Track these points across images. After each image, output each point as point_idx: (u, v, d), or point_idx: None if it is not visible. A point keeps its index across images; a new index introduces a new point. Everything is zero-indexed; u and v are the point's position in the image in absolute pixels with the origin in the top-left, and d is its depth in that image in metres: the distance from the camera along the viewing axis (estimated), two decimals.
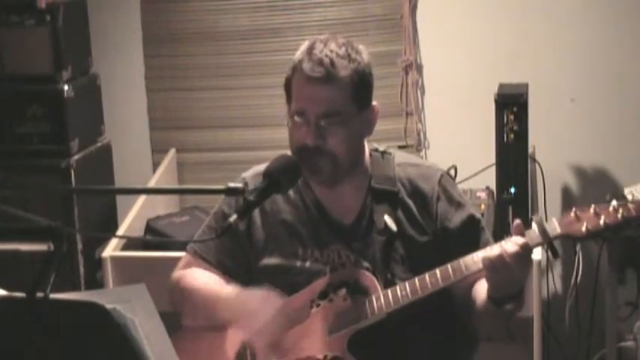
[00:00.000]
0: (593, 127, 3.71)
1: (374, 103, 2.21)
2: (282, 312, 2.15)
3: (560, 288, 3.71)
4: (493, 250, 1.99)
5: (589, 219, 1.98)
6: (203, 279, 2.29)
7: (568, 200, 3.73)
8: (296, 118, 2.14)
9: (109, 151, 3.93)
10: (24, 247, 3.49)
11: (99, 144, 3.86)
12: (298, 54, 2.15)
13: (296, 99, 2.15)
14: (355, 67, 2.12)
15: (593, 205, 1.99)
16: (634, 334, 3.40)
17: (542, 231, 2.00)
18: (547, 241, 2.01)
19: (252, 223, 2.26)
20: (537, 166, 3.49)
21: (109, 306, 1.48)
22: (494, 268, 1.97)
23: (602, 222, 1.97)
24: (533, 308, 3.04)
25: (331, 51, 2.11)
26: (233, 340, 2.19)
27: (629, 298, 3.35)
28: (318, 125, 2.11)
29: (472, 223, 2.24)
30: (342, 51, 2.12)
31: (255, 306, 2.16)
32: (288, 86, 2.18)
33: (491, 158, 3.23)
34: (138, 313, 1.51)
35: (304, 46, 2.16)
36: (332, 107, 2.11)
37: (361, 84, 2.14)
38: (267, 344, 2.15)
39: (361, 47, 2.18)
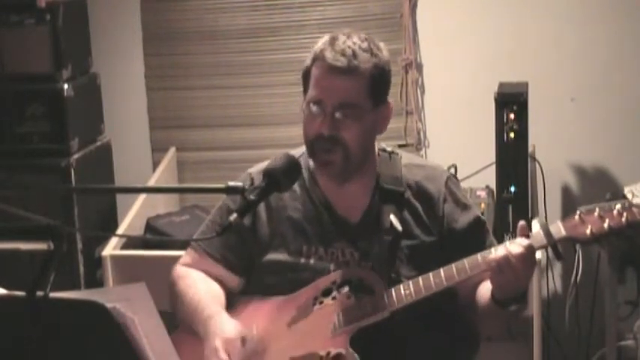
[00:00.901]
0: (593, 127, 3.71)
1: (389, 100, 2.22)
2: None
3: (560, 288, 3.71)
4: (498, 252, 1.99)
5: (594, 222, 1.98)
6: (197, 290, 2.26)
7: (568, 199, 3.73)
8: (312, 107, 2.14)
9: (108, 150, 3.93)
10: (24, 246, 3.49)
11: (99, 143, 3.86)
12: (319, 45, 2.16)
13: (314, 87, 2.15)
14: (377, 61, 2.14)
15: (597, 209, 1.98)
16: (634, 333, 3.40)
17: (547, 233, 2.00)
18: (551, 243, 2.00)
19: (257, 218, 2.26)
20: (537, 165, 3.49)
21: (109, 305, 1.48)
22: (500, 269, 1.97)
23: (606, 226, 1.96)
24: (533, 308, 3.04)
25: (354, 43, 2.13)
26: None
27: (629, 297, 3.35)
28: (333, 116, 2.11)
29: (478, 224, 2.25)
30: (364, 45, 2.13)
31: (215, 346, 2.10)
32: (306, 76, 2.18)
33: (491, 157, 3.23)
34: (138, 312, 1.51)
35: (325, 38, 2.17)
36: (349, 99, 2.11)
37: (380, 79, 2.15)
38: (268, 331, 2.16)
39: (381, 44, 2.20)
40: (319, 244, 2.22)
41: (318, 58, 2.14)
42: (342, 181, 2.21)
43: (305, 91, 2.19)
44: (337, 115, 2.11)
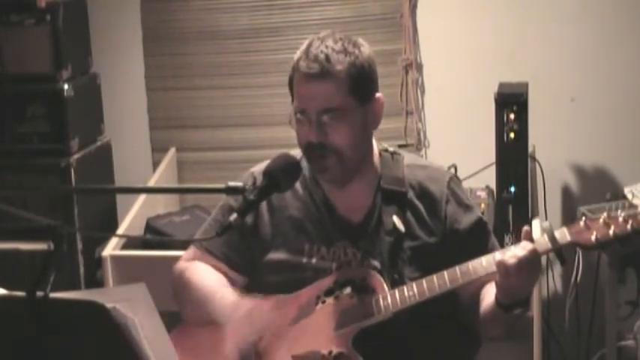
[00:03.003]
0: (593, 127, 3.71)
1: (378, 94, 2.20)
2: (267, 323, 2.16)
3: (560, 288, 3.71)
4: (504, 255, 1.99)
5: (599, 229, 1.97)
6: (206, 276, 2.29)
7: (568, 199, 3.73)
8: (299, 116, 2.15)
9: (109, 150, 3.93)
10: (24, 246, 3.49)
11: (99, 143, 3.86)
12: (297, 53, 2.17)
13: (296, 98, 2.16)
14: (352, 60, 2.12)
15: (603, 215, 1.98)
16: (634, 334, 3.40)
17: (552, 238, 2.00)
18: (556, 248, 2.00)
19: (259, 218, 2.26)
20: (537, 165, 3.49)
21: (109, 305, 1.48)
22: (507, 272, 1.96)
23: (611, 232, 1.96)
24: (534, 308, 3.04)
25: (327, 47, 2.12)
26: (230, 344, 2.20)
27: (629, 297, 3.35)
28: (319, 121, 2.12)
29: (480, 225, 2.25)
30: (338, 46, 2.13)
31: (244, 313, 2.16)
32: (291, 86, 2.19)
33: (491, 157, 3.23)
34: (138, 312, 1.51)
35: (303, 45, 2.17)
36: (330, 102, 2.11)
37: (359, 77, 2.13)
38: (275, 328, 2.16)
39: (361, 41, 2.19)
40: (321, 244, 2.22)
41: (295, 68, 2.15)
42: (342, 184, 2.21)
43: (293, 99, 2.19)
44: (324, 119, 2.11)
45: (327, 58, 2.10)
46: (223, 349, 2.20)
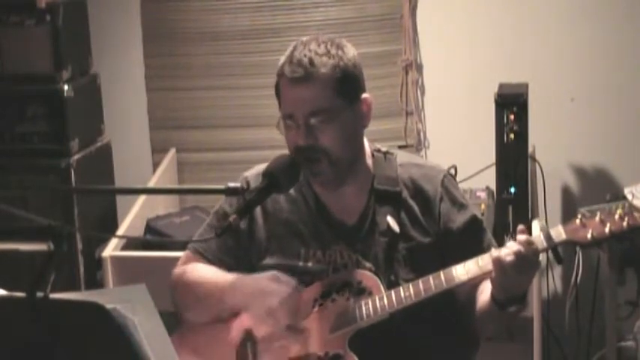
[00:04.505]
0: (593, 127, 3.71)
1: (365, 95, 2.20)
2: (292, 294, 2.14)
3: (560, 288, 3.71)
4: (502, 251, 1.99)
5: (595, 226, 1.98)
6: (207, 271, 2.29)
7: (568, 200, 3.73)
8: (287, 122, 2.16)
9: (109, 150, 3.93)
10: (24, 247, 3.48)
11: (99, 144, 3.86)
12: (282, 59, 2.18)
13: (283, 103, 2.18)
14: (336, 62, 2.13)
15: (598, 213, 1.99)
16: (634, 334, 3.40)
17: (547, 236, 2.00)
18: (552, 246, 2.00)
19: (254, 222, 2.26)
20: (537, 166, 3.49)
21: (109, 306, 1.49)
22: (503, 269, 1.96)
23: (607, 230, 1.97)
24: (533, 308, 3.04)
25: (310, 50, 2.13)
26: (235, 333, 2.19)
27: (629, 297, 3.35)
28: (308, 125, 2.12)
29: (474, 224, 2.24)
30: (321, 49, 2.14)
31: (267, 283, 2.14)
32: (277, 92, 2.21)
33: (491, 158, 3.23)
34: (138, 313, 1.51)
35: (287, 50, 2.19)
36: (317, 105, 2.12)
37: (344, 78, 2.14)
38: (269, 332, 2.15)
39: (344, 42, 2.19)
40: (317, 248, 2.22)
41: (280, 74, 2.17)
42: (336, 187, 2.20)
43: (280, 105, 2.20)
44: (312, 122, 2.12)
45: (311, 61, 2.11)
46: (223, 349, 2.20)
